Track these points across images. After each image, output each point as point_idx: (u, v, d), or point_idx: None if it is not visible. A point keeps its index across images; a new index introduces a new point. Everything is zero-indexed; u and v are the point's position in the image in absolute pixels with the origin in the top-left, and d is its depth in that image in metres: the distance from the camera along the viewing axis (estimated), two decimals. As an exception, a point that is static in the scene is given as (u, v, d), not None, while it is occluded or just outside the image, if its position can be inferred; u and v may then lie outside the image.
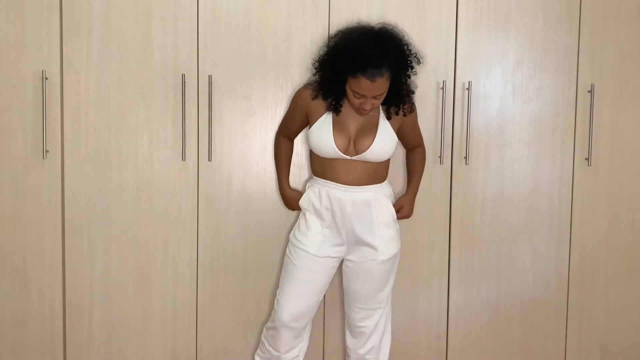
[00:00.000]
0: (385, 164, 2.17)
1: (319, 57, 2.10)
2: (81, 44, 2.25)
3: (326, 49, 2.11)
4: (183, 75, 2.26)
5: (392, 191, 2.22)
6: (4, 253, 2.31)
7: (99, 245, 2.33)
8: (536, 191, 2.43)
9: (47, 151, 2.26)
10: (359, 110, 2.01)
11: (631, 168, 2.46)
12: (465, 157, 2.37)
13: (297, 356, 2.21)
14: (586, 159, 2.42)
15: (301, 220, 2.17)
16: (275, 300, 2.18)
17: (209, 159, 2.32)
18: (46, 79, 2.23)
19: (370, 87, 1.92)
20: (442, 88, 2.33)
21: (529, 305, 2.48)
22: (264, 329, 2.26)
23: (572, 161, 2.43)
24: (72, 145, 2.29)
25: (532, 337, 2.50)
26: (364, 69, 1.89)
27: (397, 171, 2.34)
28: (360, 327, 2.20)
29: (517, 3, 2.36)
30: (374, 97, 1.96)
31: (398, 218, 2.21)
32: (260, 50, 2.30)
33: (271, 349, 2.21)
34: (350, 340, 2.26)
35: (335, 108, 2.07)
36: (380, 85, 1.93)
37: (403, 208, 2.25)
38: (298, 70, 2.31)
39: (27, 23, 2.23)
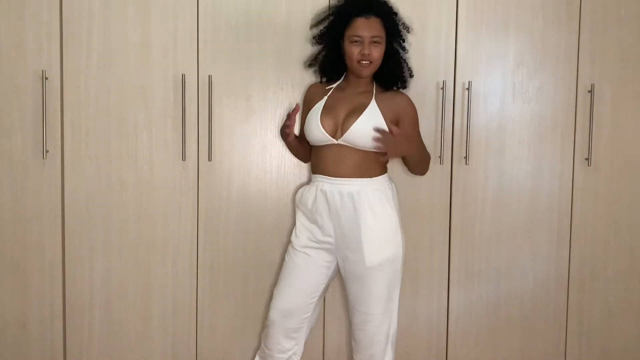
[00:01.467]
0: (375, 157, 2.08)
1: (318, 30, 2.21)
2: (81, 44, 2.25)
3: (322, 19, 2.22)
4: (183, 75, 2.26)
5: (390, 189, 2.13)
6: (4, 253, 2.31)
7: (99, 245, 2.33)
8: (536, 191, 2.43)
9: (47, 151, 2.26)
10: (360, 66, 2.05)
11: (631, 168, 2.45)
12: (465, 157, 2.37)
13: (290, 358, 2.18)
14: (586, 159, 2.42)
15: (296, 218, 2.19)
16: None
17: (209, 159, 2.32)
18: (46, 79, 2.24)
19: (366, 25, 2.03)
20: (442, 88, 2.33)
21: (529, 305, 2.48)
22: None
23: (572, 161, 2.43)
24: (72, 145, 2.29)
25: (532, 337, 2.49)
26: (357, 11, 2.04)
27: (397, 169, 2.34)
28: (358, 332, 2.15)
29: (517, 3, 2.36)
30: (372, 42, 2.03)
31: (380, 135, 2.00)
32: (260, 50, 2.30)
33: (264, 347, 2.21)
34: (353, 343, 2.21)
35: (329, 75, 2.19)
36: (375, 25, 2.04)
37: (391, 131, 2.03)
38: (298, 70, 2.30)
39: (27, 23, 2.23)
